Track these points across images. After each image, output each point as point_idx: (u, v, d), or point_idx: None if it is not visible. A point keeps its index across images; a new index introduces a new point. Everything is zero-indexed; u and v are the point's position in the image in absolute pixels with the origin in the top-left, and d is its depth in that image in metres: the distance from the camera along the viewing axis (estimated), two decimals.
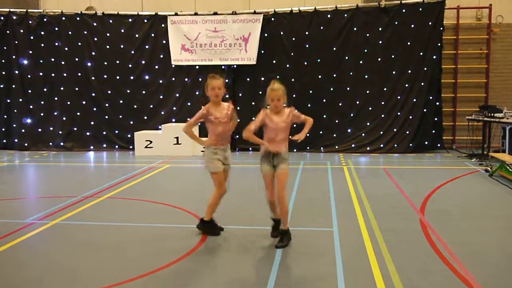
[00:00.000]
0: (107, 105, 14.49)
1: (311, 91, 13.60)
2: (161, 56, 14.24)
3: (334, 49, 13.63)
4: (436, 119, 13.54)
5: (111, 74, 14.40)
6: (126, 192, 8.56)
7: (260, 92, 12.60)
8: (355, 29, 13.53)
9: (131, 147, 14.10)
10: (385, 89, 13.55)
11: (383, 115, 13.62)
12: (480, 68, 14.22)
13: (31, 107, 14.60)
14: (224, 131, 5.88)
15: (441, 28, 13.26)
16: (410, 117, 13.46)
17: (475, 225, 6.46)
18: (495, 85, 14.27)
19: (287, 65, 13.62)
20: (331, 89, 13.73)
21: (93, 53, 14.39)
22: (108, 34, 14.34)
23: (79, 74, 14.44)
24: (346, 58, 13.65)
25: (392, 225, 6.37)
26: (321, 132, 13.65)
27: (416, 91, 13.41)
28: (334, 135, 13.79)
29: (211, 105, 5.91)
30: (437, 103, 13.49)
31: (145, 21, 14.29)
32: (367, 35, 13.49)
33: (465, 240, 5.76)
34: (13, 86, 14.55)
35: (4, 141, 14.82)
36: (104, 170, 11.85)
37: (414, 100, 13.42)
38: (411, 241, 5.74)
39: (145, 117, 14.48)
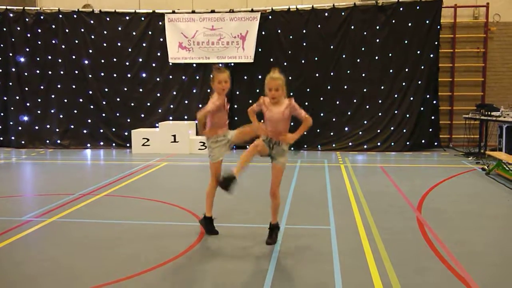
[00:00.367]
0: (104, 103, 14.47)
1: (308, 89, 13.61)
2: (158, 54, 14.23)
3: (332, 47, 13.64)
4: (433, 117, 13.57)
5: (108, 72, 14.38)
6: (123, 190, 8.56)
7: (258, 90, 12.61)
8: (352, 27, 13.54)
9: (128, 145, 14.09)
10: (382, 87, 13.57)
11: (380, 114, 13.64)
12: (477, 66, 14.25)
13: (28, 104, 14.57)
14: (221, 118, 5.87)
15: (438, 27, 13.28)
16: (407, 115, 13.48)
17: (472, 224, 6.48)
18: (492, 84, 14.30)
19: (285, 63, 13.62)
20: (329, 87, 13.74)
21: (90, 51, 14.36)
22: (105, 32, 14.31)
23: (76, 71, 14.41)
24: (344, 56, 13.66)
25: (389, 223, 6.38)
26: (318, 130, 13.66)
27: (413, 90, 13.44)
28: (332, 133, 13.81)
29: (216, 96, 5.88)
30: (434, 102, 13.52)
31: (142, 19, 14.27)
32: (365, 33, 13.51)
33: (462, 239, 5.77)
34: (10, 83, 14.51)
35: (1, 138, 14.80)
36: (101, 168, 11.84)
37: (411, 98, 13.45)
38: (408, 239, 5.75)
39: (142, 115, 14.47)
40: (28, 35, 14.36)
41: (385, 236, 5.78)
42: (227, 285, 4.50)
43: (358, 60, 13.60)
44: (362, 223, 6.37)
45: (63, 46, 14.35)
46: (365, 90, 13.63)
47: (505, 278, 4.67)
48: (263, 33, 13.75)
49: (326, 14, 13.63)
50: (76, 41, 14.34)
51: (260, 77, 13.06)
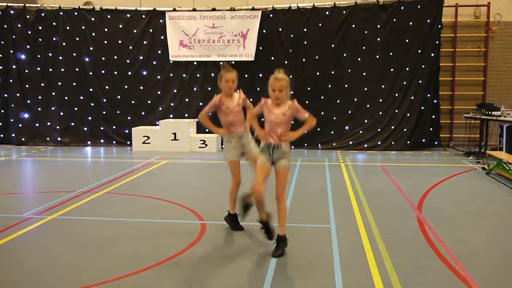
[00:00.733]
0: (104, 100, 14.47)
1: (309, 88, 13.60)
2: (159, 52, 14.22)
3: (333, 46, 13.64)
4: (433, 116, 13.57)
5: (109, 70, 14.37)
6: (124, 188, 8.56)
7: (258, 89, 12.62)
8: (353, 26, 13.53)
9: (128, 142, 14.09)
10: (383, 86, 13.56)
11: (380, 113, 13.63)
12: (478, 66, 14.24)
13: (28, 101, 14.57)
14: (234, 120, 5.82)
15: (439, 26, 13.27)
16: (408, 114, 13.48)
17: (472, 223, 6.48)
18: (492, 83, 14.29)
19: (285, 62, 13.60)
20: (329, 86, 13.73)
21: (91, 48, 14.36)
22: (106, 29, 14.31)
23: (77, 69, 14.41)
24: (344, 55, 13.66)
25: (390, 222, 6.38)
26: (318, 129, 13.63)
27: (414, 89, 13.43)
28: (332, 132, 13.81)
29: (223, 95, 5.89)
30: (435, 101, 13.52)
31: (143, 16, 14.26)
32: (366, 32, 13.50)
33: (462, 238, 5.77)
34: (11, 80, 14.52)
35: (1, 135, 14.80)
36: (102, 165, 11.84)
37: (412, 97, 13.45)
38: (409, 238, 5.75)
39: (143, 113, 14.47)
40: (29, 32, 14.36)
41: (385, 235, 5.78)
42: (227, 283, 4.50)
43: (359, 59, 13.59)
44: (362, 222, 6.37)
45: (64, 44, 14.35)
46: (365, 89, 13.63)
47: (505, 277, 4.67)
48: (264, 31, 13.74)
49: (327, 12, 13.62)
50: (77, 39, 14.34)
51: (260, 75, 13.07)
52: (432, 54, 13.30)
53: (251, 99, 6.20)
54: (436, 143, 13.67)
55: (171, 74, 14.32)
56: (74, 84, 14.44)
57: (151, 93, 14.43)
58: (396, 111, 13.56)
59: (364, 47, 13.54)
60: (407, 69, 13.42)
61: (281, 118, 5.18)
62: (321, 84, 13.71)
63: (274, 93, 5.16)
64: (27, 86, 14.53)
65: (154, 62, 14.33)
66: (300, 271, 4.76)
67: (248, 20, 13.65)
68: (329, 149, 13.59)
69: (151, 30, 14.25)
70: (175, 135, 13.39)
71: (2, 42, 14.47)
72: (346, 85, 13.69)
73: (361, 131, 13.71)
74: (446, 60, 14.05)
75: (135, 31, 14.27)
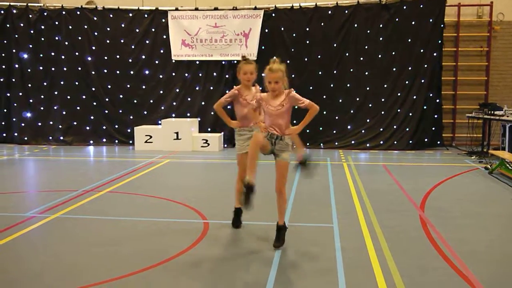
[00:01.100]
0: (107, 99, 14.48)
1: (311, 87, 13.58)
2: (161, 51, 14.23)
3: (335, 45, 13.63)
4: (436, 116, 13.55)
5: (111, 69, 14.38)
6: (126, 187, 8.57)
7: (260, 88, 12.58)
8: (355, 25, 13.52)
9: (131, 141, 14.10)
10: (385, 86, 13.55)
11: (383, 112, 13.63)
12: (481, 65, 14.22)
13: (31, 101, 14.59)
14: (249, 113, 5.78)
15: (442, 25, 13.27)
16: (410, 114, 13.47)
17: (475, 223, 6.47)
18: (495, 83, 14.27)
19: (288, 61, 13.52)
20: (331, 85, 13.73)
21: (93, 48, 14.37)
22: (108, 29, 14.32)
23: (79, 68, 14.42)
24: (347, 54, 13.65)
25: (392, 221, 6.38)
26: (321, 129, 13.67)
27: (416, 88, 13.42)
28: (334, 132, 13.80)
29: (242, 87, 5.90)
30: (437, 100, 13.50)
31: (146, 16, 14.27)
32: (368, 31, 13.49)
33: (465, 238, 5.77)
34: (13, 80, 14.53)
35: (4, 134, 14.81)
36: (104, 164, 11.85)
37: (414, 97, 13.43)
38: (411, 237, 5.75)
39: (145, 112, 14.47)
40: (31, 31, 14.37)
41: (388, 235, 5.77)
42: (230, 283, 4.50)
43: (361, 58, 13.58)
44: (365, 221, 6.37)
45: (66, 43, 14.36)
46: (368, 88, 13.62)
47: (508, 276, 4.66)
48: (266, 30, 13.74)
49: (330, 12, 13.61)
50: (79, 38, 14.35)
51: (263, 75, 13.01)
52: (435, 54, 13.29)
53: None
54: (438, 142, 13.66)
55: (173, 74, 14.33)
56: (77, 83, 14.46)
57: (153, 92, 14.44)
58: (399, 110, 13.55)
59: (366, 47, 13.53)
60: (410, 68, 13.41)
61: (279, 110, 5.13)
62: (323, 84, 13.70)
63: (270, 85, 5.12)
64: (29, 85, 14.54)
65: (157, 62, 14.34)
66: (303, 270, 4.76)
67: (250, 20, 13.65)
68: (331, 149, 13.58)
69: (153, 30, 14.25)
70: (177, 134, 13.40)
71: (5, 42, 14.47)
72: (348, 85, 13.68)
73: (363, 131, 13.70)
74: (448, 59, 14.04)
75: (137, 30, 14.28)
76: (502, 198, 7.85)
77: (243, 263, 4.96)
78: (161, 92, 14.41)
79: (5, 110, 14.74)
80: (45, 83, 14.52)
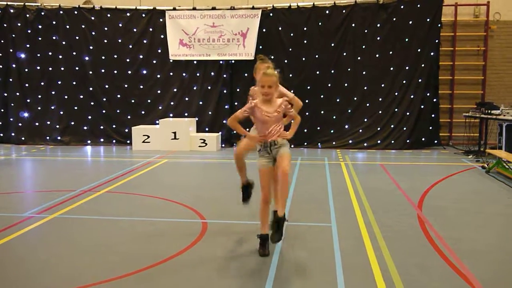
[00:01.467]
0: (104, 99, 14.46)
1: (309, 87, 13.60)
2: (159, 51, 14.22)
3: (332, 45, 13.65)
4: (433, 115, 13.58)
5: (109, 69, 14.37)
6: (124, 187, 8.57)
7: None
8: (353, 25, 13.54)
9: (128, 141, 14.09)
10: (382, 85, 13.58)
11: (380, 111, 13.65)
12: (477, 65, 14.26)
13: (28, 101, 14.56)
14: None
15: (439, 25, 13.29)
16: (408, 113, 13.50)
17: (472, 221, 6.50)
18: (492, 82, 14.31)
19: (285, 61, 13.61)
20: (329, 85, 13.74)
21: (91, 47, 14.35)
22: (106, 29, 14.31)
23: (77, 68, 14.40)
24: (344, 54, 13.67)
25: (390, 220, 6.40)
26: (318, 128, 13.69)
27: (413, 88, 13.45)
28: (332, 131, 13.82)
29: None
30: (434, 100, 13.54)
31: (143, 15, 14.26)
32: (365, 31, 13.52)
33: (462, 236, 5.79)
34: (10, 79, 14.50)
35: (1, 134, 14.78)
36: (102, 164, 11.85)
37: (412, 96, 13.46)
38: (410, 236, 5.77)
39: (143, 112, 14.47)
40: (29, 31, 14.35)
41: (386, 234, 5.79)
42: (229, 283, 4.51)
43: (359, 58, 13.60)
44: (363, 220, 6.39)
45: (64, 43, 14.34)
46: (365, 88, 13.64)
47: (506, 275, 4.69)
48: (264, 30, 13.75)
49: (327, 11, 13.63)
50: (77, 38, 14.33)
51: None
52: (432, 53, 13.32)
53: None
54: (435, 142, 13.69)
55: (171, 73, 14.32)
56: (74, 83, 14.44)
57: (151, 92, 14.43)
58: (396, 110, 13.58)
59: (364, 46, 13.55)
60: (407, 68, 13.44)
61: (275, 116, 5.03)
62: (321, 83, 13.72)
63: (264, 89, 4.98)
64: (27, 85, 14.52)
65: (154, 61, 14.33)
66: (302, 270, 4.78)
67: (248, 19, 13.66)
68: (329, 148, 13.60)
69: (151, 29, 14.25)
70: (175, 134, 13.40)
71: (2, 41, 14.45)
72: (346, 84, 13.70)
73: (361, 130, 13.72)
74: (445, 59, 14.08)
75: (135, 30, 14.27)
76: (499, 197, 7.88)
77: (242, 263, 4.96)
78: (159, 92, 14.40)
79: (2, 110, 14.70)
80: (42, 83, 14.50)
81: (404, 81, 13.49)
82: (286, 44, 13.78)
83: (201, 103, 14.25)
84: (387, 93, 13.61)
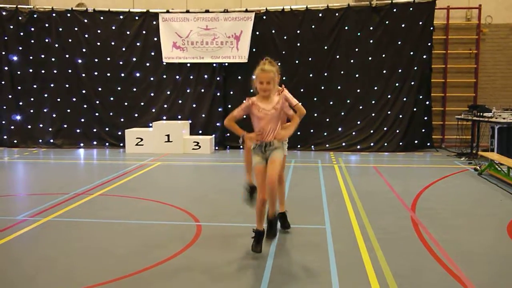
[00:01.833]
0: (97, 102, 14.42)
1: (302, 90, 13.61)
2: (152, 54, 14.19)
3: (326, 48, 13.69)
4: (425, 118, 13.65)
5: (102, 71, 14.32)
6: (118, 190, 8.55)
7: (252, 91, 12.59)
8: (346, 28, 13.59)
9: (121, 144, 14.05)
10: (375, 88, 13.63)
11: (373, 114, 13.70)
12: (470, 68, 14.35)
13: (20, 103, 14.48)
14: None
15: (431, 28, 13.37)
16: (400, 116, 13.56)
17: (465, 223, 6.54)
18: (484, 85, 14.40)
19: (279, 64, 13.22)
20: (322, 87, 13.78)
21: (84, 50, 14.30)
22: (99, 31, 14.26)
23: (70, 71, 14.34)
24: (337, 57, 13.71)
25: (384, 222, 6.42)
26: (311, 131, 13.71)
27: (406, 90, 13.52)
28: (325, 134, 13.85)
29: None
30: (427, 102, 13.61)
31: (136, 18, 14.23)
32: (358, 34, 13.57)
33: (456, 238, 5.82)
34: (3, 82, 14.42)
35: None
36: (95, 167, 11.82)
37: (404, 99, 13.53)
38: (403, 238, 5.80)
39: (136, 115, 14.43)
40: (21, 33, 14.27)
41: (380, 236, 5.82)
42: (224, 285, 4.51)
43: (352, 61, 13.65)
44: (357, 222, 6.41)
45: (57, 45, 14.28)
46: (358, 90, 13.69)
47: (499, 276, 4.72)
48: (257, 33, 13.77)
49: (320, 14, 13.67)
50: (70, 40, 14.28)
51: (254, 77, 13.05)
52: (424, 56, 13.39)
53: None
54: (428, 144, 13.75)
55: (164, 76, 14.30)
56: (67, 85, 14.37)
57: (144, 94, 14.40)
58: (389, 112, 13.63)
59: (357, 49, 13.60)
60: (400, 70, 13.50)
61: (272, 114, 4.98)
62: (314, 86, 13.75)
63: (262, 85, 4.93)
64: (19, 87, 14.44)
65: (147, 64, 14.30)
66: (296, 272, 4.79)
67: (241, 22, 13.68)
68: (322, 151, 13.63)
69: (144, 32, 14.22)
70: (169, 136, 13.38)
71: None
72: (339, 87, 13.74)
73: (354, 133, 13.76)
74: (438, 62, 14.16)
75: (128, 32, 14.23)
76: (492, 199, 7.93)
77: (237, 266, 4.97)
78: (152, 94, 14.38)
79: None
80: (35, 86, 14.42)
81: (397, 84, 13.56)
82: (279, 47, 13.80)
83: (194, 105, 14.24)
84: (380, 95, 13.66)
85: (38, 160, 12.30)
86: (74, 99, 14.41)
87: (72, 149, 14.10)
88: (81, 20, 14.26)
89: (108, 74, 14.33)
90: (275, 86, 5.17)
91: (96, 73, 14.34)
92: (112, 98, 14.40)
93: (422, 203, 7.51)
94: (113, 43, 14.24)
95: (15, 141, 14.43)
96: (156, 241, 5.74)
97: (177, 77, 14.26)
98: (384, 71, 13.58)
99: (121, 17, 14.24)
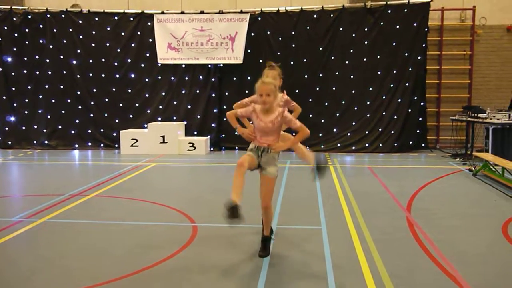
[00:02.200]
0: (92, 103, 14.38)
1: (297, 91, 13.59)
2: (147, 55, 14.18)
3: (320, 49, 13.71)
4: (420, 119, 13.71)
5: (97, 72, 14.29)
6: (113, 191, 8.53)
7: (247, 92, 12.62)
8: (341, 29, 13.63)
9: (116, 145, 14.02)
10: (370, 89, 13.67)
11: (368, 115, 13.74)
12: (464, 69, 14.42)
13: (15, 104, 14.43)
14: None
15: (426, 29, 13.43)
16: (395, 117, 13.60)
17: (460, 224, 6.56)
18: (478, 86, 14.47)
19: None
20: (317, 88, 13.81)
21: (78, 51, 14.27)
22: (93, 32, 14.24)
23: (64, 72, 14.31)
24: (332, 58, 13.74)
25: (380, 223, 6.44)
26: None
27: (401, 91, 13.56)
28: (320, 135, 13.86)
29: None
30: (422, 103, 13.66)
31: (131, 19, 14.21)
32: (353, 35, 13.60)
33: (451, 239, 5.85)
34: None
35: None
36: (90, 168, 11.78)
37: (399, 100, 13.57)
38: (399, 239, 5.81)
39: (131, 116, 14.40)
40: (16, 34, 14.23)
41: (376, 236, 5.83)
42: (220, 286, 4.51)
43: (347, 62, 13.69)
44: (353, 223, 6.42)
45: (51, 46, 14.24)
46: (353, 91, 13.72)
47: (494, 276, 4.74)
48: (252, 34, 13.78)
49: (315, 15, 13.69)
50: (64, 41, 14.24)
51: (249, 78, 13.10)
52: (419, 57, 13.45)
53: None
54: (423, 145, 13.81)
55: (159, 77, 14.29)
56: (62, 87, 14.34)
57: (139, 96, 14.38)
58: (384, 113, 13.67)
59: (351, 50, 13.64)
60: (394, 72, 13.55)
61: (269, 127, 4.98)
62: (309, 87, 13.76)
63: (262, 98, 4.93)
64: (13, 89, 14.39)
65: (142, 65, 14.28)
66: (293, 273, 4.79)
67: (236, 23, 13.68)
68: (317, 151, 13.61)
69: (139, 33, 14.20)
70: (164, 138, 13.37)
71: None
72: (334, 88, 13.77)
73: (349, 134, 13.79)
74: (432, 63, 14.21)
75: (123, 33, 14.21)
76: (487, 200, 7.97)
77: (233, 267, 4.97)
78: (147, 95, 14.36)
79: None
80: (29, 87, 14.38)
81: (392, 85, 13.60)
82: (274, 48, 13.82)
83: (189, 106, 14.23)
84: (375, 96, 13.70)
85: (33, 162, 12.26)
86: (69, 100, 14.37)
87: (66, 150, 14.06)
88: (75, 21, 14.22)
89: (103, 75, 14.30)
90: (276, 97, 5.19)
91: (90, 74, 14.31)
92: (107, 99, 14.37)
93: (417, 204, 7.54)
94: (107, 44, 14.22)
95: (10, 142, 14.38)
96: (152, 242, 5.73)
97: (172, 78, 14.25)
98: (379, 72, 13.62)
99: (116, 18, 14.21)
